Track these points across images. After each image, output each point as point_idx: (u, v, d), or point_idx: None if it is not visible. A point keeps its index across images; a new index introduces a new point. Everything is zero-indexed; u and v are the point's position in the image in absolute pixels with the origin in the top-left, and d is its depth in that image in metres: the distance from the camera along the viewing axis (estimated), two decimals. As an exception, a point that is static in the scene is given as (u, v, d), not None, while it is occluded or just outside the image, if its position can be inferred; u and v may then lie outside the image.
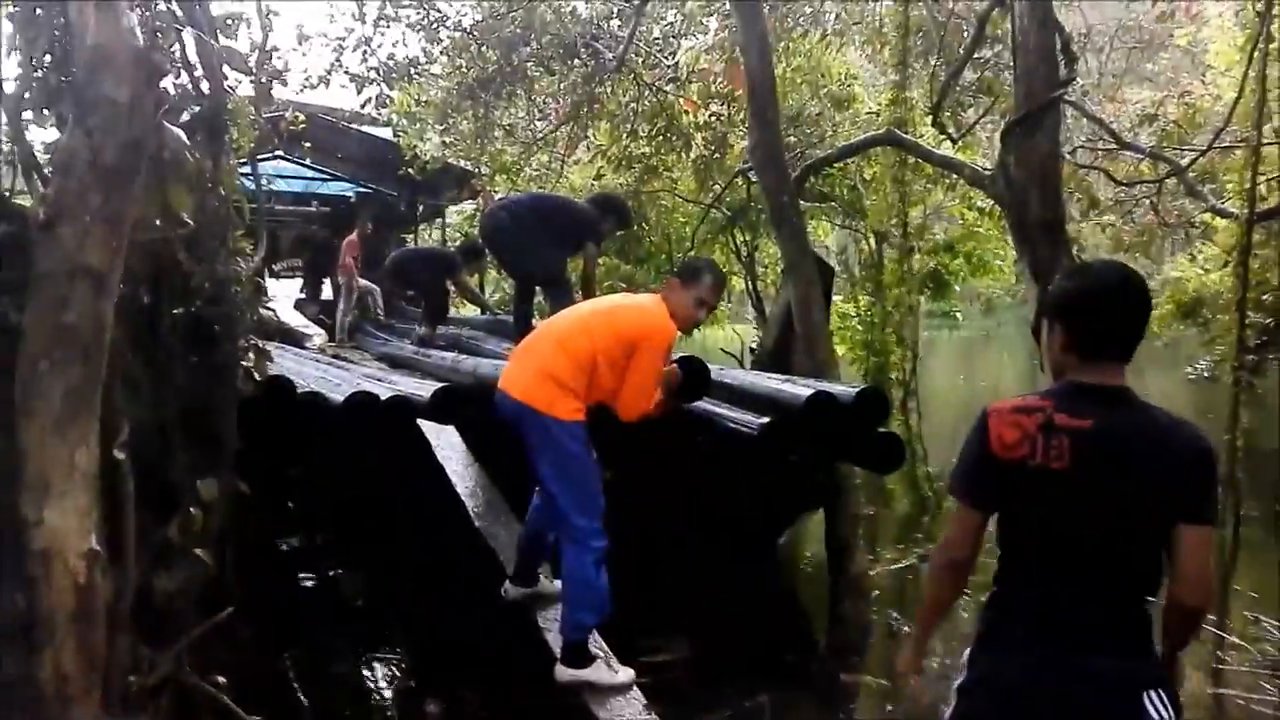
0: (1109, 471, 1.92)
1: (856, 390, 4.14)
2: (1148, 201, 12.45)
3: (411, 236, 14.92)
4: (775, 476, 5.30)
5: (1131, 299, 2.01)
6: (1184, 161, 8.99)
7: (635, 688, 3.43)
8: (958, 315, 18.66)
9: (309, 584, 4.80)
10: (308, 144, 8.94)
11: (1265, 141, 7.20)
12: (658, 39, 10.78)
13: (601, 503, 3.48)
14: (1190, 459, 1.94)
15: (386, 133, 12.32)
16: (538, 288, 6.11)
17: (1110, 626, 1.97)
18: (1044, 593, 2.02)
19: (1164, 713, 1.91)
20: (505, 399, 3.53)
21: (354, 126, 11.66)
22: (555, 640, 3.63)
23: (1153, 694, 1.92)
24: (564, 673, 3.46)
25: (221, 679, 2.82)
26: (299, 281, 13.41)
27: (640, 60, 10.47)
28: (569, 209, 5.86)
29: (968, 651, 2.14)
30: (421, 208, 14.51)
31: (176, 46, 3.41)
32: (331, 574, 4.90)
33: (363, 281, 10.56)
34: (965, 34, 11.56)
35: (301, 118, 7.08)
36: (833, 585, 5.21)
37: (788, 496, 5.54)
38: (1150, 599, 2.01)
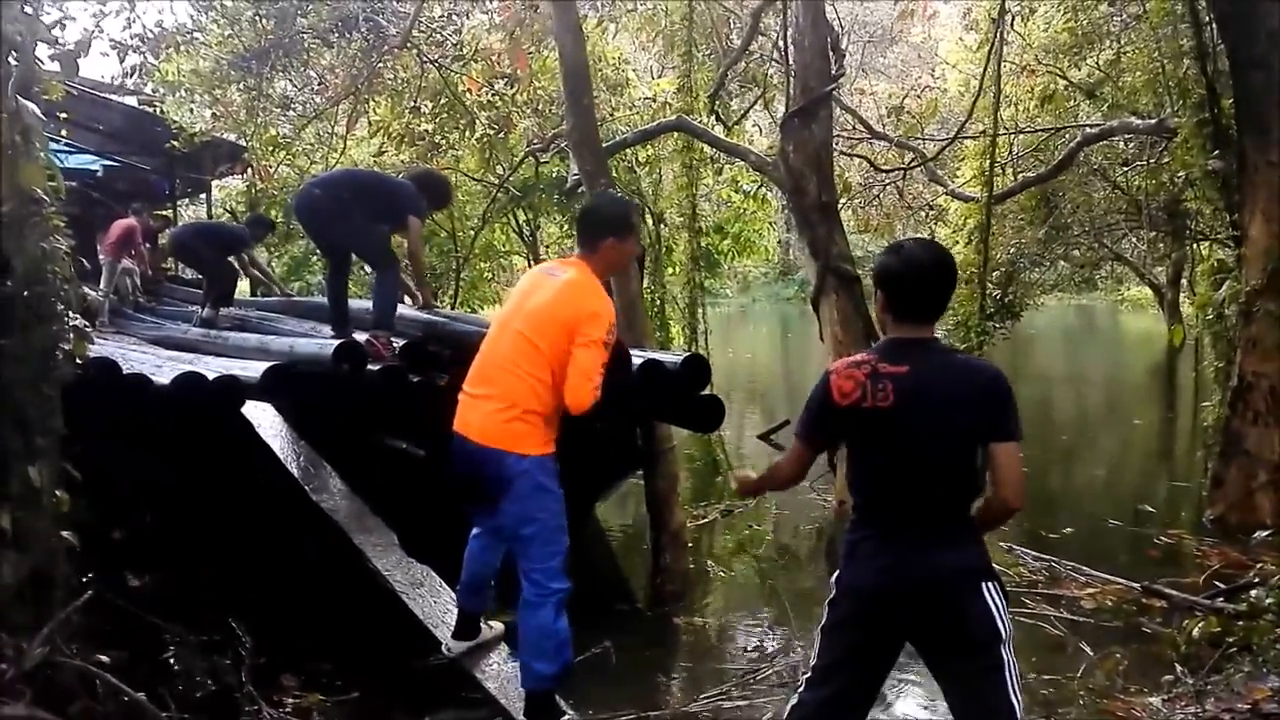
0: (925, 405, 2.37)
1: (683, 357, 4.49)
2: (892, 186, 13.77)
3: (169, 213, 14.03)
4: (598, 442, 5.61)
5: (936, 272, 2.46)
6: (927, 150, 10.04)
7: None
8: (728, 292, 19.71)
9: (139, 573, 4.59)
10: (63, 115, 8.27)
11: (1001, 132, 8.25)
12: (440, 16, 10.72)
13: (566, 541, 3.30)
14: (987, 389, 2.40)
15: (132, 102, 11.53)
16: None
17: (947, 531, 2.42)
18: (889, 510, 2.45)
19: (999, 599, 2.39)
20: (464, 445, 3.28)
21: (113, 98, 10.82)
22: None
23: (989, 584, 2.39)
24: None
25: (104, 658, 2.76)
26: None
27: (424, 37, 10.39)
28: (388, 184, 5.72)
29: (835, 574, 2.54)
30: (180, 183, 13.66)
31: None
32: (157, 563, 4.72)
33: (126, 262, 9.89)
34: (732, 27, 12.32)
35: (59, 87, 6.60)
36: (654, 539, 5.58)
37: (611, 460, 5.86)
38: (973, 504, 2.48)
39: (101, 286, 9.63)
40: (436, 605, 4.03)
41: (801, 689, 2.53)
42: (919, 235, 18.91)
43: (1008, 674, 2.34)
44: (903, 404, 2.35)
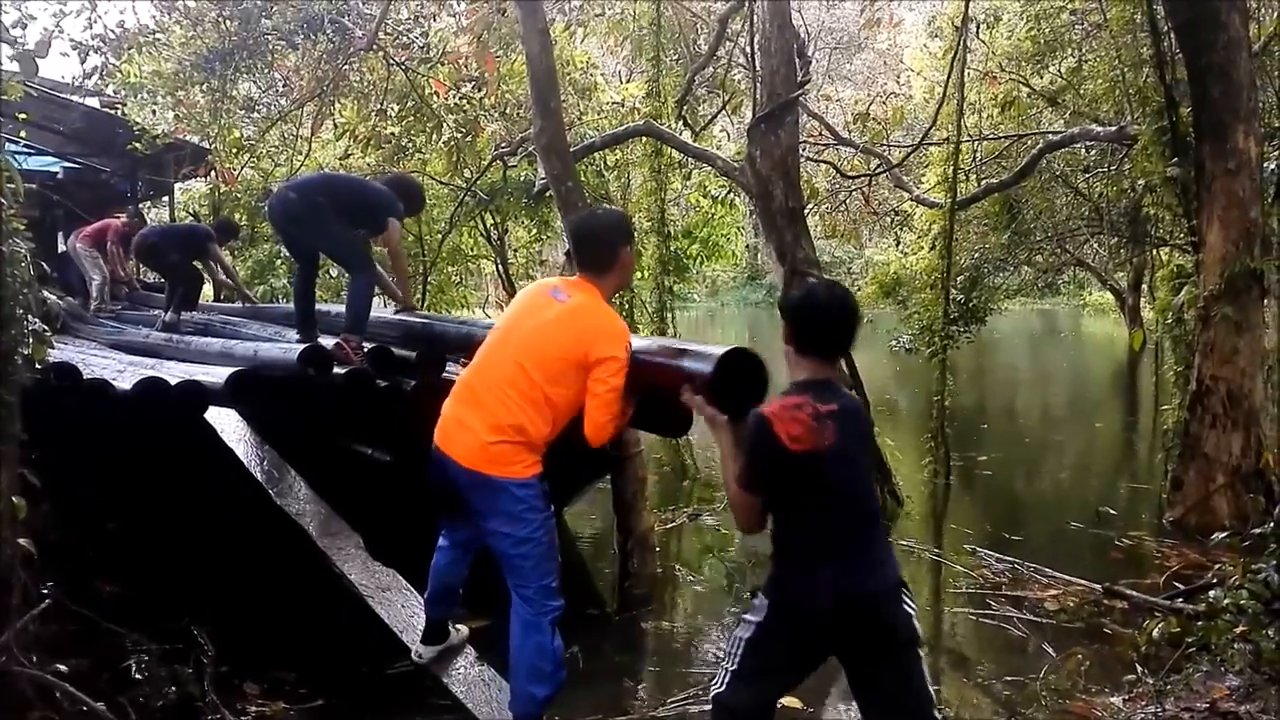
0: (852, 439, 2.54)
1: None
2: (858, 192, 13.87)
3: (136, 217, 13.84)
4: (565, 447, 5.59)
5: (840, 315, 2.60)
6: (892, 157, 10.12)
7: None
8: (697, 296, 19.74)
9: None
10: (22, 116, 8.13)
11: (964, 138, 8.34)
12: (407, 18, 10.67)
13: (558, 560, 3.25)
14: (869, 424, 2.85)
15: (94, 103, 11.37)
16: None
17: (871, 550, 2.55)
18: (821, 534, 2.52)
19: (913, 606, 2.55)
20: (448, 464, 3.17)
21: (73, 99, 10.66)
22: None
23: (905, 593, 2.54)
24: None
25: (62, 667, 2.72)
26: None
27: (390, 39, 10.32)
28: (364, 190, 5.63)
29: (757, 598, 2.64)
30: (142, 185, 13.48)
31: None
32: (119, 570, 4.65)
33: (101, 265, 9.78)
34: (699, 32, 12.37)
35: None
36: (622, 543, 5.57)
37: (578, 465, 5.84)
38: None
39: (94, 277, 9.50)
40: (403, 610, 4.00)
41: (726, 688, 2.56)
42: (876, 241, 19.05)
43: (926, 671, 2.55)
44: (839, 440, 2.47)
